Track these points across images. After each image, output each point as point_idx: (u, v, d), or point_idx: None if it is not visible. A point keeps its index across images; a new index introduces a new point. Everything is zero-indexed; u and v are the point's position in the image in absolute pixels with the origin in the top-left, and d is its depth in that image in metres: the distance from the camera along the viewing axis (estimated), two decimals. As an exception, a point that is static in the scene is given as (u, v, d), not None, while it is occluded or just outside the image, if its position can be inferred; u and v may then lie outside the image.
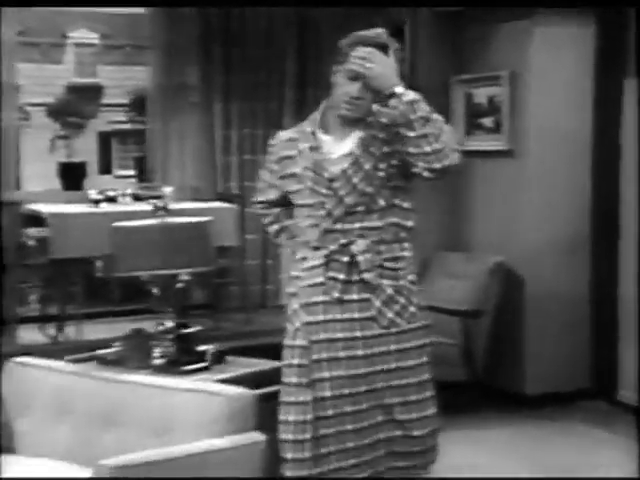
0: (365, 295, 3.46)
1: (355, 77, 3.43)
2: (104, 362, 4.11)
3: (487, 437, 5.72)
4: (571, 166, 6.35)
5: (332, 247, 3.47)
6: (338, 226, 3.47)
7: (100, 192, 7.00)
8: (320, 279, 3.47)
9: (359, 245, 3.44)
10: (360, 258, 3.44)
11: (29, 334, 6.39)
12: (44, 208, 6.58)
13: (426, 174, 3.37)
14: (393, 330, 3.48)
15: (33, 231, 6.44)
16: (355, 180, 3.46)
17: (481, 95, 6.50)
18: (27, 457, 3.79)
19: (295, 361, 3.49)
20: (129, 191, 7.20)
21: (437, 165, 3.33)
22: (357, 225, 3.46)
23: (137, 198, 7.17)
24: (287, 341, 3.55)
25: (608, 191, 6.36)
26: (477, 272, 6.26)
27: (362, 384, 3.47)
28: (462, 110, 6.60)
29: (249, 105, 8.00)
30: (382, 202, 3.47)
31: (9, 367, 4.13)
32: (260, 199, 3.79)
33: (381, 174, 3.46)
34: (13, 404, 3.99)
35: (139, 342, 4.16)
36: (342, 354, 3.46)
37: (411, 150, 3.34)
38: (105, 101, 9.34)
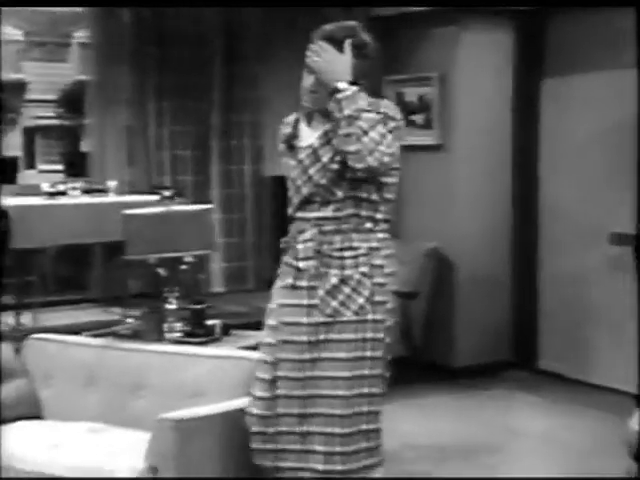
0: (313, 283, 3.44)
1: (311, 70, 3.44)
2: (120, 337, 4.52)
3: (425, 405, 6.30)
4: (494, 159, 6.99)
5: (290, 234, 3.52)
6: (298, 214, 3.51)
7: (51, 186, 7.34)
8: (285, 263, 3.53)
9: (306, 234, 3.46)
10: (300, 247, 3.46)
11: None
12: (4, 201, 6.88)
13: (354, 172, 3.36)
14: (337, 319, 3.41)
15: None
16: (311, 172, 3.46)
17: (412, 94, 7.07)
18: (57, 422, 4.20)
19: (266, 339, 3.52)
20: (78, 185, 7.55)
21: (358, 165, 3.31)
22: (313, 215, 3.47)
23: (85, 192, 7.55)
24: (265, 320, 3.58)
25: (526, 182, 7.02)
26: (413, 257, 6.83)
27: (307, 370, 3.44)
28: (393, 108, 7.17)
29: (180, 104, 8.41)
30: (340, 193, 3.43)
31: (29, 343, 4.53)
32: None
33: (336, 166, 3.41)
34: (36, 376, 4.41)
35: (154, 317, 4.60)
36: (290, 338, 3.46)
37: (338, 147, 3.36)
38: (29, 97, 9.53)
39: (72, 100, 9.60)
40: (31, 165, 9.50)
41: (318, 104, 3.46)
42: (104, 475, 3.60)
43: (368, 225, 3.48)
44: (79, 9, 9.32)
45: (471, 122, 6.89)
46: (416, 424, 5.85)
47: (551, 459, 5.25)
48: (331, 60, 3.38)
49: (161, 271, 4.75)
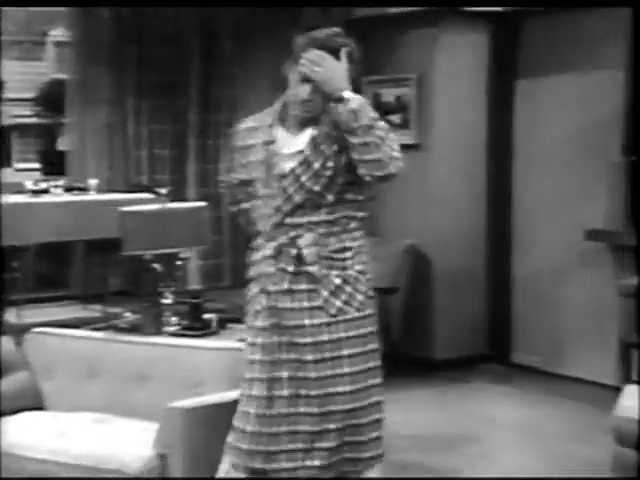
0: (312, 286, 3.47)
1: (306, 79, 3.41)
2: (118, 330, 4.65)
3: (407, 397, 6.45)
4: (470, 158, 7.18)
5: (282, 240, 3.50)
6: (287, 220, 3.50)
7: (34, 184, 7.44)
8: (271, 269, 3.51)
9: (306, 239, 3.47)
10: (305, 252, 3.47)
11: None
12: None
13: (368, 179, 3.40)
14: (341, 318, 3.46)
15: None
16: (303, 179, 3.47)
17: (389, 94, 7.25)
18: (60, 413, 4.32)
19: (259, 340, 3.51)
20: (60, 183, 7.66)
21: (378, 173, 3.36)
22: (305, 219, 3.49)
23: (67, 190, 7.65)
24: (249, 322, 3.58)
25: (501, 180, 7.21)
26: (391, 254, 7.00)
27: (311, 370, 3.46)
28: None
29: (158, 102, 8.53)
30: (330, 197, 3.47)
31: (30, 337, 4.65)
32: (229, 179, 3.75)
33: (329, 172, 3.45)
34: (37, 368, 4.53)
35: (153, 311, 4.73)
36: (294, 340, 3.48)
37: (354, 156, 3.36)
38: (5, 95, 9.57)
39: (49, 98, 9.67)
40: (8, 163, 9.55)
41: (312, 112, 3.46)
42: (114, 462, 3.72)
43: (353, 224, 3.55)
44: (56, 8, 9.43)
45: (448, 122, 7.07)
46: (400, 416, 6.00)
47: (531, 447, 5.44)
48: (332, 69, 3.36)
49: (157, 266, 4.88)
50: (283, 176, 3.49)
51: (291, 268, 3.47)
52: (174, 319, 4.87)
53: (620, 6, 5.99)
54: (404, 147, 7.01)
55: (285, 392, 3.45)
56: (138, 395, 4.25)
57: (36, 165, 9.54)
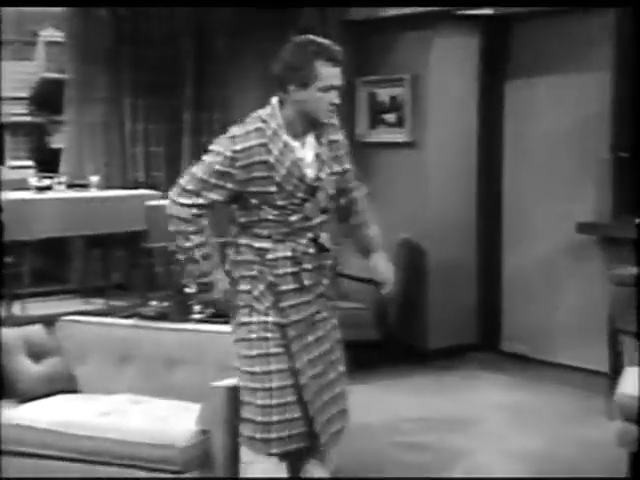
0: (313, 281, 3.80)
1: (331, 88, 3.68)
2: (146, 318, 4.90)
3: (404, 384, 6.74)
4: (462, 155, 7.47)
5: (302, 240, 3.76)
6: (306, 223, 3.77)
7: (38, 180, 7.65)
8: (290, 269, 3.75)
9: (324, 238, 3.80)
10: (330, 248, 3.84)
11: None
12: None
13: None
14: (328, 307, 3.86)
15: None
16: (328, 185, 3.81)
17: (384, 94, 7.52)
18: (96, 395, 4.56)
19: (269, 335, 3.74)
20: (63, 179, 7.87)
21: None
22: (318, 220, 3.80)
23: (69, 186, 7.87)
24: (254, 317, 3.77)
25: (491, 176, 7.51)
26: (386, 247, 7.25)
27: (318, 359, 3.82)
28: (366, 107, 7.62)
29: (154, 101, 8.76)
30: (331, 203, 3.88)
31: (60, 324, 4.88)
32: (199, 201, 3.74)
33: (336, 177, 3.85)
34: (70, 354, 4.75)
35: (180, 300, 4.97)
36: (309, 330, 3.80)
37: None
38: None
39: (41, 97, 9.85)
40: (1, 161, 9.73)
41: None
42: (161, 437, 3.97)
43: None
44: (46, 8, 9.64)
45: (441, 120, 7.35)
46: (402, 400, 6.30)
47: (530, 427, 5.73)
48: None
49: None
50: (311, 184, 3.75)
51: (311, 266, 3.76)
52: (197, 307, 5.11)
53: (620, 6, 6.23)
54: (399, 145, 7.40)
55: (304, 380, 3.75)
56: (169, 378, 4.52)
57: (29, 163, 9.72)
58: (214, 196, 3.72)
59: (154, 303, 4.98)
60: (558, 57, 7.02)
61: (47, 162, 9.35)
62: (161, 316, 4.80)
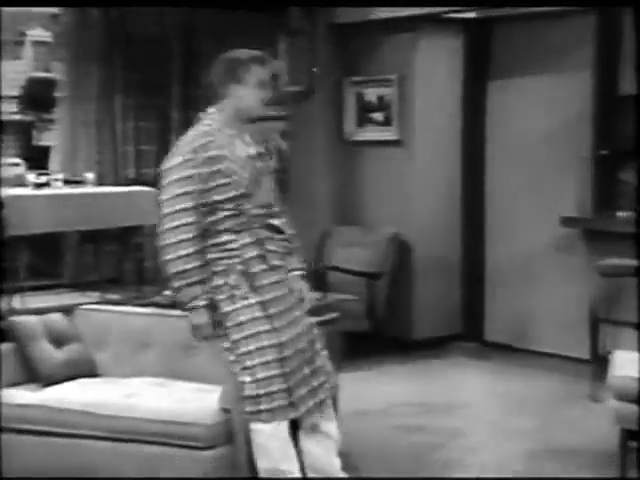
0: (282, 261, 4.21)
1: (263, 85, 4.18)
2: (161, 306, 5.13)
3: (395, 371, 7.04)
4: (446, 153, 7.77)
5: (260, 227, 4.15)
6: (261, 211, 4.16)
7: (36, 177, 7.84)
8: (255, 252, 4.12)
9: (281, 223, 4.25)
10: (287, 231, 4.27)
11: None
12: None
13: None
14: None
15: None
16: (267, 172, 4.25)
17: (371, 94, 7.80)
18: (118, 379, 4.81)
19: (257, 314, 4.07)
20: (60, 176, 8.05)
21: None
22: (272, 209, 4.23)
23: (66, 182, 8.06)
24: (238, 303, 4.09)
25: (475, 174, 7.82)
26: (376, 242, 7.56)
27: (302, 332, 4.19)
28: (353, 106, 7.90)
29: (143, 100, 8.97)
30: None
31: (79, 313, 5.12)
32: (192, 234, 4.05)
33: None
34: (90, 341, 4.99)
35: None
36: (285, 307, 4.16)
37: None
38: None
39: (30, 96, 10.02)
40: (-3, 159, 9.88)
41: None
42: (187, 416, 4.22)
43: None
44: (34, 8, 9.81)
45: (426, 119, 7.64)
46: (393, 387, 6.59)
47: (518, 410, 6.03)
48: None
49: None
50: (257, 175, 4.16)
51: (274, 248, 4.16)
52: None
53: (621, 6, 6.50)
54: (386, 143, 7.67)
55: (289, 352, 4.10)
56: (187, 362, 4.76)
57: (17, 160, 9.90)
58: (195, 218, 4.05)
59: (168, 292, 5.21)
60: (539, 58, 7.32)
61: (35, 159, 9.56)
62: (175, 305, 5.02)
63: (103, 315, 5.08)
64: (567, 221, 6.90)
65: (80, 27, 8.74)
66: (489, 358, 7.40)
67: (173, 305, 5.07)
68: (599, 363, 6.06)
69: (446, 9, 7.20)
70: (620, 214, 6.54)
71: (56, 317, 5.06)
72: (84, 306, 5.23)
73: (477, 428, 5.69)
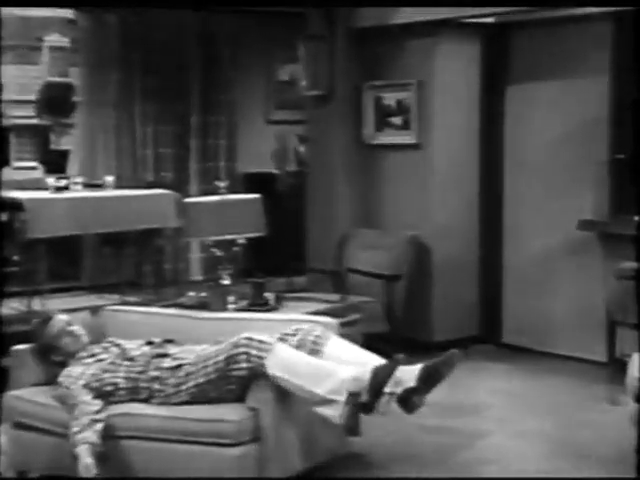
0: None
1: None
2: (186, 307, 5.22)
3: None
4: (465, 156, 7.83)
5: None
6: None
7: (56, 181, 7.92)
8: None
9: None
10: None
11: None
12: (21, 195, 7.46)
13: None
14: None
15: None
16: None
17: (390, 98, 7.87)
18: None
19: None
20: (79, 180, 8.14)
21: None
22: None
23: (85, 186, 8.15)
24: None
25: (493, 177, 7.87)
26: (395, 244, 7.63)
27: None
28: (372, 110, 7.96)
29: (163, 106, 9.11)
30: None
31: (106, 313, 5.20)
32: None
33: None
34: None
35: (219, 291, 5.30)
36: None
37: None
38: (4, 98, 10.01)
39: (47, 101, 10.13)
40: (6, 162, 9.99)
41: None
42: (216, 413, 4.29)
43: None
44: (51, 14, 9.95)
45: (445, 123, 7.70)
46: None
47: (538, 412, 6.10)
48: None
49: (217, 251, 5.45)
50: None
51: None
52: (232, 298, 5.43)
53: (622, 6, 6.49)
54: (405, 146, 7.74)
55: None
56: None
57: (33, 164, 10.03)
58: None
59: (192, 294, 5.30)
60: (557, 63, 7.39)
61: (53, 163, 9.68)
62: (201, 305, 5.12)
63: (129, 315, 5.15)
64: (584, 224, 6.96)
65: (97, 33, 8.88)
66: (507, 361, 7.45)
67: (199, 306, 5.19)
68: (616, 366, 6.12)
69: (464, 14, 7.25)
70: (637, 218, 6.57)
71: (84, 315, 5.15)
72: (110, 307, 5.27)
73: (496, 430, 5.74)
